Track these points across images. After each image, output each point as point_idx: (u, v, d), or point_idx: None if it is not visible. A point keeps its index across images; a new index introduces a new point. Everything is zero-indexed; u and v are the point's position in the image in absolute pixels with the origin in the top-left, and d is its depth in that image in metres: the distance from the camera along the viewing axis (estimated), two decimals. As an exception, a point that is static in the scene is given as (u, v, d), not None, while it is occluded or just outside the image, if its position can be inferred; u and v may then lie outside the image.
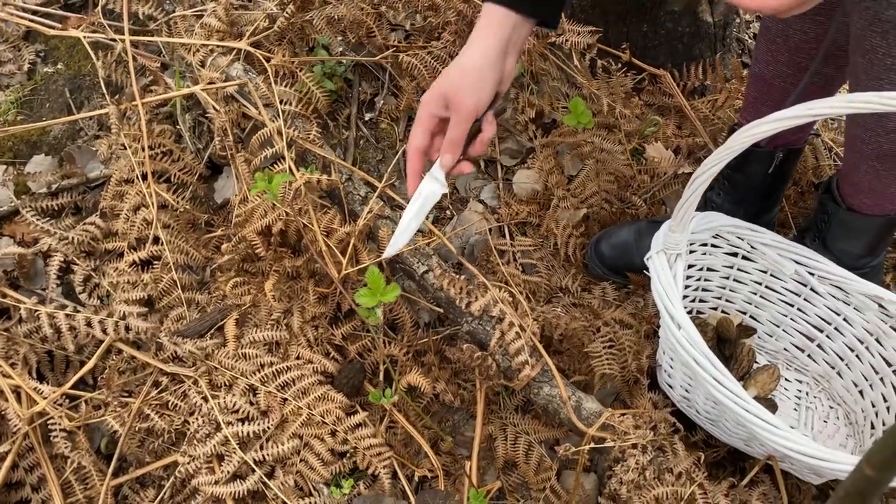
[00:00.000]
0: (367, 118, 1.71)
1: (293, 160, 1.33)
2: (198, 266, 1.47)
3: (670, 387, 1.41)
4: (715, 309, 1.56)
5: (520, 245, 1.67)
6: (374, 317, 1.04)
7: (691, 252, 1.46)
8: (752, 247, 1.47)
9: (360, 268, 1.29)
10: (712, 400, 1.25)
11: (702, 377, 1.17)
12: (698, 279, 1.52)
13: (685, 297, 1.51)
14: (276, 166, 1.36)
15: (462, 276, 1.31)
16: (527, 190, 1.74)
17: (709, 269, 1.51)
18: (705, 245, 1.47)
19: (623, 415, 1.21)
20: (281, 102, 1.38)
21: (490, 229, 1.68)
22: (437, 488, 1.30)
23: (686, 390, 1.37)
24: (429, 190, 1.10)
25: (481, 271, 1.45)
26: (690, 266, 1.49)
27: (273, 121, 1.37)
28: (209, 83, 1.40)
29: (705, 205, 1.69)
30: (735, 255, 1.48)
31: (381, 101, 1.71)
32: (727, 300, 1.55)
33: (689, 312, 1.56)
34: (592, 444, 1.21)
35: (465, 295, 1.29)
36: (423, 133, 1.08)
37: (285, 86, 1.41)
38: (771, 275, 1.49)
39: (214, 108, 1.38)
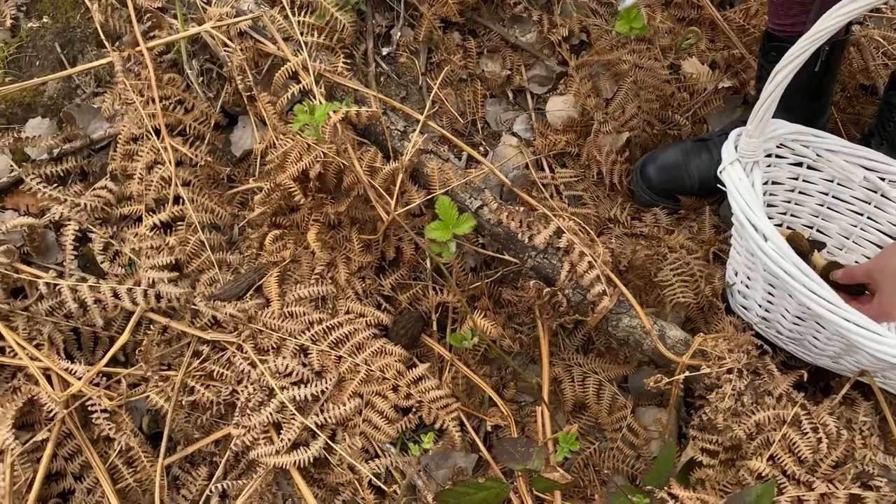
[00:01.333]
0: (384, 53, 1.57)
1: (322, 96, 1.20)
2: (225, 224, 1.34)
3: (745, 308, 1.32)
4: (780, 225, 1.47)
5: (561, 177, 1.56)
6: (448, 252, 0.93)
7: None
8: (817, 155, 1.37)
9: (409, 207, 1.17)
10: (802, 314, 1.16)
11: (794, 289, 1.08)
12: (763, 194, 1.42)
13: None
14: (303, 105, 1.23)
15: (520, 209, 1.20)
16: (562, 118, 1.62)
17: (773, 183, 1.41)
18: (769, 156, 1.37)
19: (714, 340, 1.12)
20: (301, 34, 1.24)
21: (527, 163, 1.57)
22: (513, 437, 1.21)
23: (766, 310, 1.28)
24: None
25: (525, 208, 1.34)
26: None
27: (296, 54, 1.23)
28: (219, 20, 1.26)
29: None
30: (800, 164, 1.38)
31: (398, 34, 1.58)
32: (792, 215, 1.45)
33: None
34: (686, 373, 1.12)
35: (526, 228, 1.19)
36: None
37: (304, 15, 1.27)
38: (838, 184, 1.39)
39: (227, 45, 1.24)
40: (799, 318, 1.20)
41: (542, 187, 1.50)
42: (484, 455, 1.27)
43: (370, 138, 1.26)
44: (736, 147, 1.17)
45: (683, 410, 1.37)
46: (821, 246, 1.40)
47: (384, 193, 1.14)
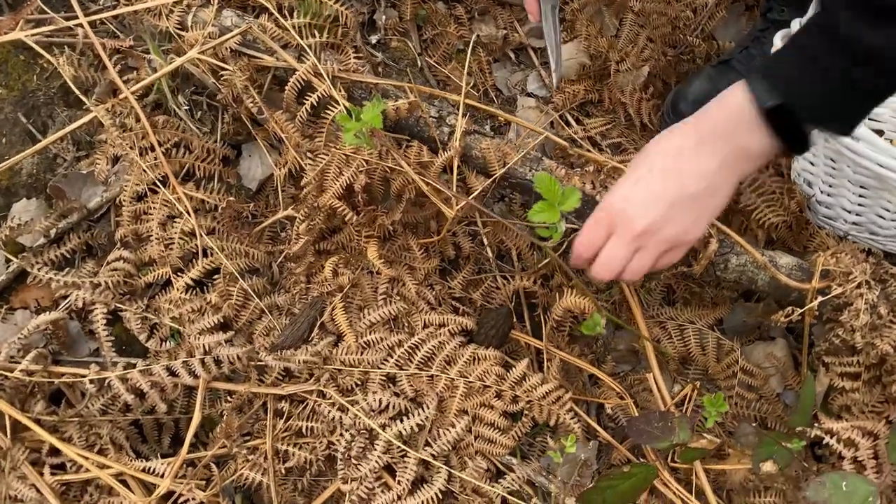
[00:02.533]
0: (373, 41, 1.44)
1: (344, 99, 1.07)
2: (263, 266, 1.21)
3: (831, 219, 1.24)
4: None
5: (592, 128, 1.46)
6: (557, 234, 0.82)
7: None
8: None
9: (473, 195, 1.05)
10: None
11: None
12: None
13: None
14: (324, 116, 1.10)
15: (590, 168, 1.09)
16: (573, 66, 1.51)
17: None
18: None
19: (834, 256, 1.03)
20: (302, 37, 1.11)
21: (552, 122, 1.46)
22: (642, 413, 1.11)
23: (857, 214, 1.19)
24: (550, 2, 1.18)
25: (563, 165, 1.22)
26: None
27: (301, 61, 1.10)
28: (203, 45, 1.11)
29: (765, 30, 1.48)
30: None
31: (383, 17, 1.44)
32: None
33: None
34: (820, 297, 1.03)
35: (601, 187, 1.08)
36: None
37: (294, 17, 1.13)
38: None
39: (223, 68, 1.10)
40: None
41: (580, 141, 1.39)
42: (604, 439, 1.17)
43: (404, 133, 1.13)
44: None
45: (791, 339, 1.29)
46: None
47: (442, 188, 1.02)
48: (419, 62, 1.44)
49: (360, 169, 1.03)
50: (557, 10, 1.23)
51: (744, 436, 1.21)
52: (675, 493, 1.12)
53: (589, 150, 1.34)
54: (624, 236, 0.83)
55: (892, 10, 0.69)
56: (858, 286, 1.02)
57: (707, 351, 1.24)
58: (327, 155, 1.05)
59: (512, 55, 1.54)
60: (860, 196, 1.15)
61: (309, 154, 1.07)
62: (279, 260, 1.21)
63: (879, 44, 0.71)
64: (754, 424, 1.11)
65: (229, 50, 1.12)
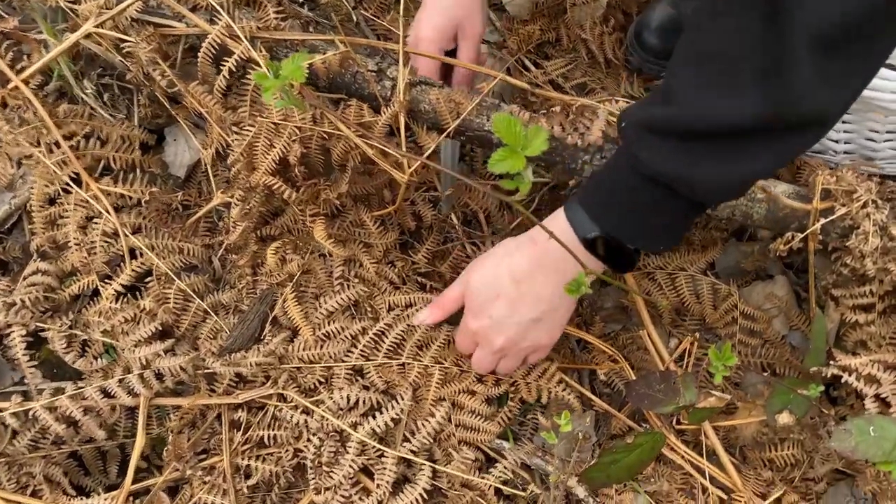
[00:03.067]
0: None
1: (266, 60, 0.93)
2: (201, 261, 1.07)
3: (820, 153, 1.13)
4: None
5: (554, 69, 1.33)
6: (525, 184, 0.69)
7: None
8: None
9: (427, 154, 0.93)
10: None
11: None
12: None
13: None
14: (246, 83, 0.97)
15: (556, 108, 0.97)
16: (524, 5, 1.38)
17: None
18: None
19: (834, 175, 0.92)
20: (209, -4, 0.96)
21: (508, 68, 1.33)
22: (640, 376, 1.00)
23: (846, 142, 1.09)
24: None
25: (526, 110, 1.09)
26: None
27: (214, 21, 0.95)
28: (99, 16, 0.96)
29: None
30: None
31: (308, -29, 1.30)
32: None
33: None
34: (822, 220, 0.92)
35: (571, 127, 0.95)
36: (434, 71, 1.03)
37: (201, -26, 0.99)
38: None
39: (124, 41, 0.96)
40: (893, 131, 1.01)
41: (543, 85, 1.26)
42: (601, 408, 1.06)
43: (341, 92, 0.99)
44: None
45: (792, 275, 1.19)
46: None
47: (390, 150, 0.89)
48: (354, 16, 1.30)
49: (293, 138, 0.90)
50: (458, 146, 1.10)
51: (751, 386, 1.11)
52: (683, 458, 1.02)
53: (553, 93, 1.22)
54: (486, 349, 0.92)
55: (670, 137, 0.71)
56: (864, 205, 0.92)
57: (702, 298, 1.13)
58: (254, 126, 0.91)
59: (457, 1, 1.40)
60: (844, 122, 1.04)
61: (234, 128, 0.94)
62: (220, 253, 1.08)
63: (658, 169, 0.72)
64: (765, 374, 1.01)
65: (130, 20, 0.97)
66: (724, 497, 1.00)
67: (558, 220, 0.84)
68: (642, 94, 1.33)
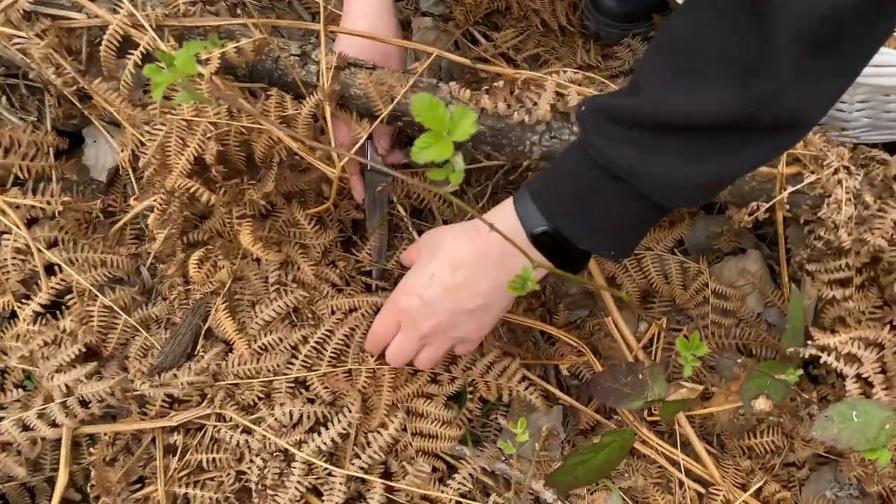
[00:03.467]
0: (227, -19, 1.20)
1: (174, 50, 0.84)
2: (128, 273, 0.99)
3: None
4: None
5: (504, 41, 1.24)
6: (457, 175, 0.61)
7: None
8: None
9: (359, 145, 0.84)
10: (869, 97, 0.90)
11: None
12: None
13: None
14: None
15: (500, 83, 0.89)
16: (471, -27, 1.29)
17: None
18: None
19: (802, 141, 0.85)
20: (109, -19, 0.87)
21: (455, 42, 1.24)
22: (606, 369, 0.93)
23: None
24: (376, 180, 0.98)
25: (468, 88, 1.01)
26: None
27: (116, 10, 0.86)
28: (-13, 11, 0.87)
29: None
30: None
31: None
32: None
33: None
34: (789, 188, 0.85)
35: (517, 103, 0.87)
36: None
37: (98, -42, 0.89)
38: None
39: (17, 39, 0.86)
40: (864, 100, 0.93)
41: (491, 59, 1.18)
42: (567, 402, 1.00)
43: (263, 81, 0.91)
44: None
45: (765, 248, 1.12)
46: None
47: (317, 144, 0.80)
48: (287, -5, 1.21)
49: (208, 135, 0.81)
50: (386, 201, 1.01)
51: (727, 368, 1.05)
52: (657, 451, 0.95)
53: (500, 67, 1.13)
54: (410, 334, 0.84)
55: (632, 127, 0.64)
56: (836, 172, 0.84)
57: (671, 279, 1.06)
58: (164, 124, 0.82)
59: (397, -28, 1.31)
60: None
61: (146, 127, 0.85)
62: (148, 262, 1.00)
63: (617, 162, 0.66)
64: (739, 360, 0.94)
65: (22, 13, 0.87)
66: (703, 491, 0.94)
67: (505, 211, 0.76)
68: (599, 62, 1.24)
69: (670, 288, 1.06)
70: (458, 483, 0.87)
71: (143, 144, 0.88)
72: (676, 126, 0.63)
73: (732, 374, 1.03)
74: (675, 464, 0.95)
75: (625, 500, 0.95)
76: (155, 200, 0.90)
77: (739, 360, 0.97)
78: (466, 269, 0.79)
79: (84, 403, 0.88)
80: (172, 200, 0.86)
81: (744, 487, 0.94)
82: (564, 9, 1.26)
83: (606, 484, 0.94)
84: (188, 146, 0.82)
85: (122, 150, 0.94)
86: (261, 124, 0.81)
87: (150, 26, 0.85)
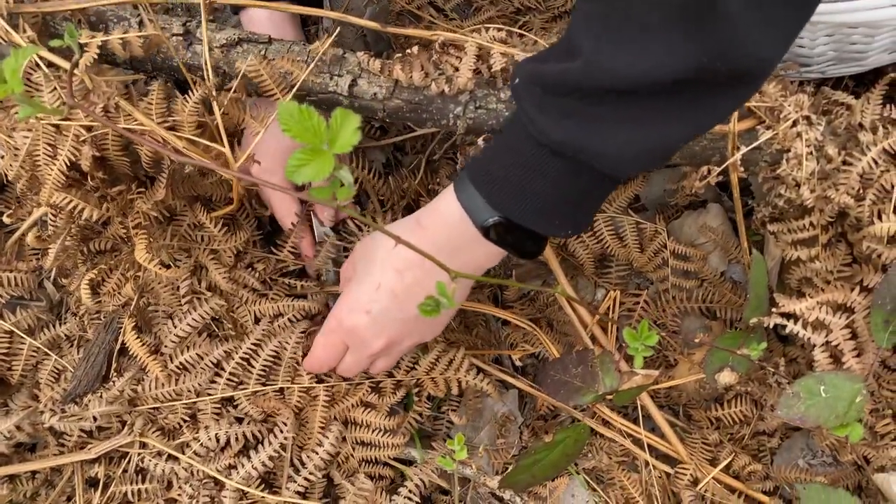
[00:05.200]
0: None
1: (32, 41, 0.73)
2: (30, 289, 0.90)
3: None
4: None
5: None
6: (345, 189, 0.52)
7: None
8: None
9: (256, 142, 0.74)
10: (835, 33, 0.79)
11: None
12: None
13: None
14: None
15: (414, 49, 0.78)
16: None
17: None
18: None
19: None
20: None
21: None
22: (559, 356, 0.86)
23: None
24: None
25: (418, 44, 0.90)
26: None
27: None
28: None
29: None
30: None
31: None
32: None
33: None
34: (743, 148, 0.76)
35: (436, 71, 0.77)
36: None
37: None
38: None
39: None
40: (829, 34, 0.83)
41: (416, 12, 1.05)
42: (522, 389, 0.93)
43: (147, 66, 0.79)
44: None
45: (727, 199, 1.03)
46: None
47: (207, 143, 0.70)
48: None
49: (82, 139, 0.70)
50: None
51: (691, 333, 0.98)
52: (619, 431, 0.90)
53: (428, 25, 1.02)
54: (361, 354, 0.78)
55: (573, 98, 0.57)
56: (794, 124, 0.75)
57: (626, 241, 0.98)
58: (30, 130, 0.72)
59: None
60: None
61: (10, 135, 0.74)
62: (52, 275, 0.90)
63: (560, 139, 0.59)
64: (700, 334, 0.87)
65: None
66: (670, 471, 0.89)
67: (448, 202, 0.69)
68: (539, 4, 1.12)
69: (627, 251, 0.98)
70: (404, 498, 0.80)
71: (17, 153, 0.77)
72: (621, 90, 0.55)
73: (695, 344, 0.96)
74: (639, 443, 0.89)
75: (588, 482, 0.90)
76: (36, 213, 0.80)
77: (694, 328, 0.91)
78: (414, 269, 0.72)
79: (-9, 442, 0.80)
80: (59, 214, 0.76)
81: (713, 462, 0.89)
82: (497, -57, 1.13)
83: (568, 468, 0.89)
84: (59, 154, 0.71)
85: (3, 157, 0.84)
86: (142, 124, 0.70)
87: (1, 14, 0.73)
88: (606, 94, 0.56)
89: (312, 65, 0.75)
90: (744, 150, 0.75)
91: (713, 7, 0.49)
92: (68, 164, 0.71)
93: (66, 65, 0.70)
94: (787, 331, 0.80)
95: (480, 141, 0.78)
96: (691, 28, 0.51)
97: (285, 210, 0.86)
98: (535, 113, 0.60)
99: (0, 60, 0.54)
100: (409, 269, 0.72)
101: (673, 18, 0.51)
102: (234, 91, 0.73)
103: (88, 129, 0.72)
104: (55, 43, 0.66)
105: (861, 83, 0.95)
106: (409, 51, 0.78)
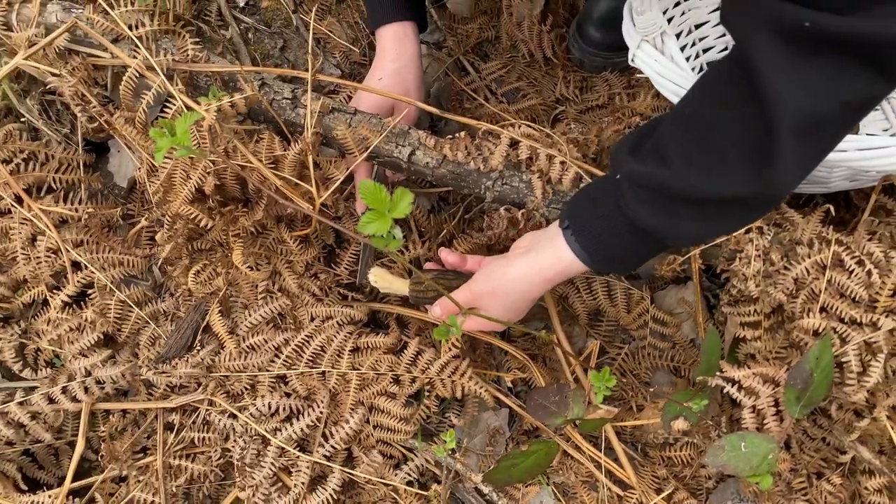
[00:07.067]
0: (241, 4, 1.33)
1: (184, 93, 0.99)
2: (142, 271, 1.15)
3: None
4: None
5: (488, 73, 1.36)
6: (395, 241, 0.75)
7: (669, 20, 1.15)
8: None
9: (334, 188, 0.98)
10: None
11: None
12: (692, 45, 1.21)
13: (693, 69, 1.22)
14: (167, 112, 1.02)
15: (462, 134, 1.01)
16: (466, 3, 1.40)
17: (697, 27, 1.20)
18: (678, 5, 1.15)
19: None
20: (131, 28, 1.01)
21: (447, 70, 1.36)
22: (542, 386, 1.07)
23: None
24: None
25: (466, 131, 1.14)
26: (676, 36, 1.18)
27: (133, 56, 1.00)
28: (30, 46, 1.02)
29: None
30: None
31: (249, -25, 1.33)
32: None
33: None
34: (702, 245, 0.97)
35: (476, 151, 1.00)
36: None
37: (125, 4, 1.03)
38: None
39: (54, 74, 1.01)
40: None
41: (471, 94, 1.30)
42: (512, 407, 1.15)
43: (258, 119, 1.05)
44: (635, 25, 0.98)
45: (705, 279, 1.24)
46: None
47: (299, 182, 0.95)
48: (294, 20, 1.33)
49: (208, 170, 0.96)
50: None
51: (660, 386, 1.18)
52: (588, 457, 1.10)
53: (480, 104, 1.26)
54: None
55: (662, 197, 0.79)
56: (748, 232, 0.96)
57: (616, 302, 1.19)
58: (171, 158, 0.97)
59: None
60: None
61: (152, 157, 1.00)
62: (160, 262, 1.16)
63: (651, 226, 0.81)
64: (673, 375, 1.08)
65: (56, 50, 1.02)
66: (621, 493, 1.09)
67: (564, 250, 0.90)
68: (576, 95, 1.35)
69: (616, 310, 1.20)
70: (405, 473, 1.03)
71: (154, 171, 1.03)
72: (699, 199, 0.78)
73: (662, 394, 1.16)
74: (601, 467, 1.09)
75: (556, 494, 1.11)
76: (164, 217, 1.06)
77: (663, 382, 1.11)
78: (527, 289, 0.95)
79: (100, 383, 1.05)
80: (177, 220, 1.02)
81: (658, 492, 1.08)
82: (550, 41, 1.36)
83: (540, 479, 1.10)
84: (190, 179, 0.97)
85: (140, 169, 1.10)
86: (251, 164, 0.95)
87: (162, 71, 0.99)
88: (687, 199, 0.78)
89: (384, 135, 0.99)
90: (702, 246, 0.96)
91: (772, 154, 0.70)
92: (196, 187, 0.96)
93: (203, 112, 0.95)
94: (725, 391, 1.00)
95: (502, 210, 1.01)
96: (758, 165, 0.72)
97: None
98: (633, 201, 0.81)
99: (145, 90, 0.79)
100: (516, 297, 0.96)
101: (746, 155, 0.73)
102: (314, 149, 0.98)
103: (213, 162, 0.97)
104: (203, 100, 0.92)
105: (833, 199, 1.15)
106: (458, 134, 1.02)
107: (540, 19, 1.35)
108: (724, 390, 0.99)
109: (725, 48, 1.24)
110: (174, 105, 0.98)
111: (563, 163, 0.99)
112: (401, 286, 1.02)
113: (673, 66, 0.93)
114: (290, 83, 1.05)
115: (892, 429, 0.97)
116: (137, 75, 1.00)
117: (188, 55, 1.02)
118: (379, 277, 1.00)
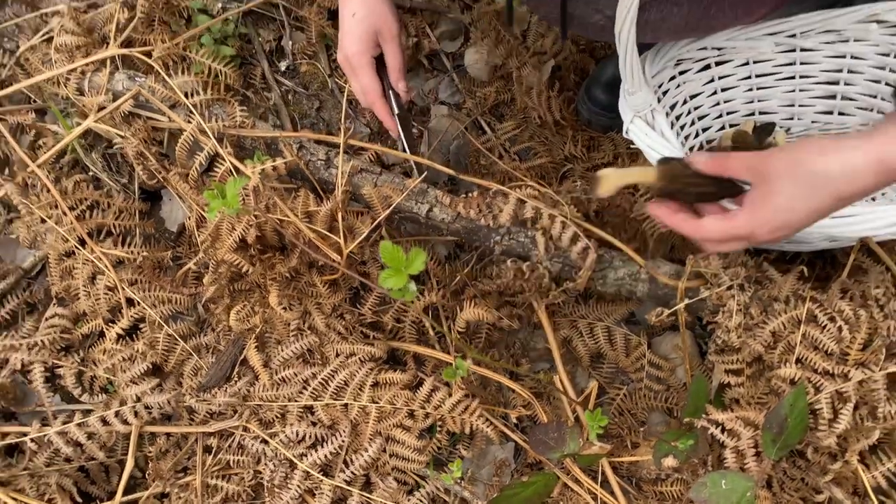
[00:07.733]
0: (282, 68, 1.48)
1: (232, 154, 1.13)
2: (187, 308, 1.29)
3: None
4: (722, 128, 1.39)
5: (503, 133, 1.49)
6: (410, 294, 0.88)
7: (664, 93, 1.27)
8: (716, 49, 1.27)
9: (360, 240, 1.11)
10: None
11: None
12: (688, 113, 1.33)
13: (686, 136, 1.34)
14: (216, 170, 1.16)
15: (475, 193, 1.14)
16: (484, 69, 1.53)
17: (692, 98, 1.32)
18: (673, 79, 1.27)
19: (706, 260, 1.07)
20: (187, 96, 1.16)
21: (465, 128, 1.49)
22: (544, 423, 1.18)
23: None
24: (404, 119, 1.21)
25: (477, 177, 1.27)
26: (672, 107, 1.29)
27: (189, 121, 1.15)
28: (99, 110, 1.17)
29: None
30: (707, 67, 1.29)
31: (290, 42, 1.48)
32: (727, 112, 1.37)
33: (701, 148, 1.39)
34: (687, 300, 1.08)
35: (487, 209, 1.12)
36: (373, 76, 1.16)
37: (182, 74, 1.18)
38: (753, 62, 1.30)
39: (119, 135, 1.16)
40: None
41: (487, 152, 1.42)
42: (517, 441, 1.25)
43: (295, 177, 1.18)
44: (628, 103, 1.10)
45: (698, 327, 1.34)
46: (770, 127, 1.33)
47: (329, 234, 1.08)
48: (329, 84, 1.48)
49: (250, 223, 1.09)
50: (410, 122, 1.25)
51: (654, 426, 1.28)
52: (584, 488, 1.20)
53: (494, 161, 1.38)
54: (742, 243, 0.89)
55: None
56: (730, 288, 1.07)
57: (616, 346, 1.30)
58: (218, 213, 1.11)
59: (425, 61, 1.56)
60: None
61: (206, 208, 1.14)
62: (203, 300, 1.29)
63: None
64: (667, 416, 1.18)
65: (122, 113, 1.17)
66: (615, 523, 1.19)
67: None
68: (584, 154, 1.47)
69: (615, 353, 1.30)
70: (417, 499, 1.14)
71: (203, 221, 1.17)
72: None
73: (656, 432, 1.26)
74: (597, 499, 1.19)
75: (556, 522, 1.21)
76: (209, 260, 1.19)
77: (657, 422, 1.21)
78: (823, 203, 0.81)
79: (148, 408, 1.18)
80: (221, 265, 1.15)
81: (650, 524, 1.18)
82: (559, 105, 1.49)
83: (542, 508, 1.20)
84: (235, 229, 1.10)
85: (189, 218, 1.24)
86: (289, 218, 1.09)
87: (213, 135, 1.13)
88: None
89: (405, 194, 1.12)
90: (687, 301, 1.07)
91: None
92: (240, 237, 1.10)
93: (249, 174, 1.09)
94: (709, 433, 1.10)
95: (509, 262, 1.13)
96: None
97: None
98: None
99: (198, 151, 0.92)
100: (837, 204, 0.81)
101: None
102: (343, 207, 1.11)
103: (255, 216, 1.10)
104: (248, 163, 1.06)
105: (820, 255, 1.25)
106: (471, 194, 1.14)
107: (548, 86, 1.47)
108: (710, 431, 1.09)
109: (720, 115, 1.36)
110: (223, 164, 1.12)
111: (563, 223, 1.11)
112: (640, 176, 0.92)
113: (663, 140, 1.05)
114: (324, 145, 1.19)
115: (863, 472, 1.06)
116: (192, 139, 1.14)
117: (236, 121, 1.16)
118: (606, 181, 0.90)
